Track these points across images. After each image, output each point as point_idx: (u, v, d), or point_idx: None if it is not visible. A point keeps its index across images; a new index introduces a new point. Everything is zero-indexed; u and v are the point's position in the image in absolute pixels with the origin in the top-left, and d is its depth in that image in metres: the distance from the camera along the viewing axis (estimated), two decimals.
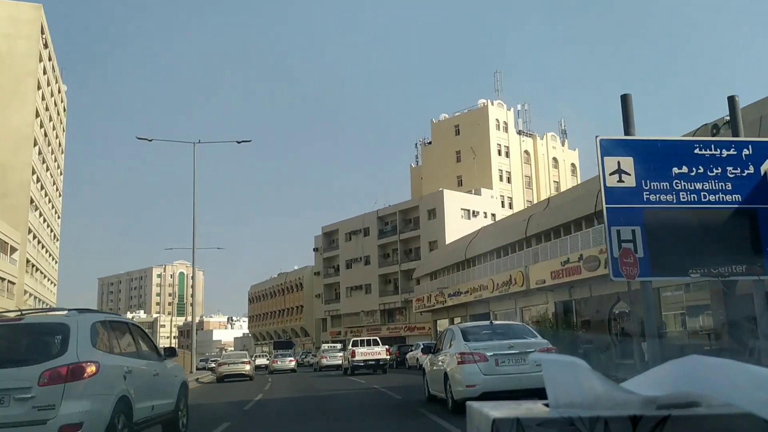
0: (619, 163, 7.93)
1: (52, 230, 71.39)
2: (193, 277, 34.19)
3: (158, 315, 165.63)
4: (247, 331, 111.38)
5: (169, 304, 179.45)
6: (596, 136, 8.02)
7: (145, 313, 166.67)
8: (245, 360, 29.32)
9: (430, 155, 75.25)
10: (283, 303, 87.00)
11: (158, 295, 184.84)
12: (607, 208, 7.88)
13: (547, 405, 1.31)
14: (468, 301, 37.19)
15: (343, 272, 69.50)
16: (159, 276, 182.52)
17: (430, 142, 76.60)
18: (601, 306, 26.11)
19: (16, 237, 52.77)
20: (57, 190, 75.44)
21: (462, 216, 58.19)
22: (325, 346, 57.91)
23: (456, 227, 54.16)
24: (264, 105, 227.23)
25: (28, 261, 57.68)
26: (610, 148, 7.98)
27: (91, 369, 5.98)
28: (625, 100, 8.41)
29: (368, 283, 65.17)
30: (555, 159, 77.27)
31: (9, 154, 55.25)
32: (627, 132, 8.31)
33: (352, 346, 29.63)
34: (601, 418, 1.17)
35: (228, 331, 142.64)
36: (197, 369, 40.19)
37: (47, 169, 66.23)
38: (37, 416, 5.61)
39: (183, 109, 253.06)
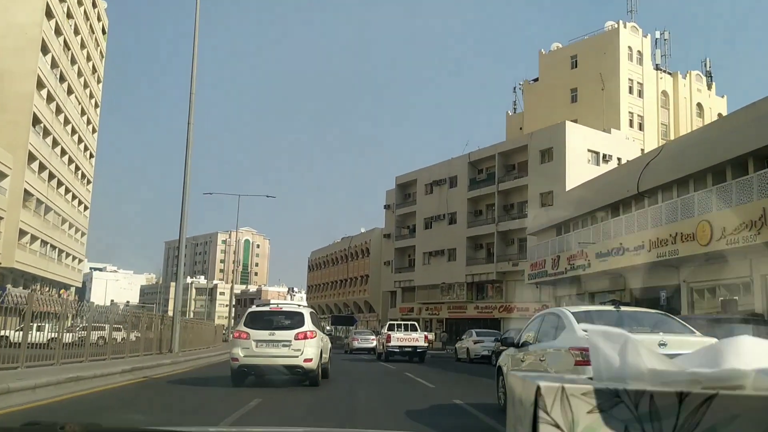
0: None
1: (78, 168, 60.27)
2: (182, 210, 20.61)
3: (219, 281, 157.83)
4: (305, 303, 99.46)
5: (233, 271, 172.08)
6: None
7: (205, 279, 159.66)
8: None
9: (535, 95, 59.34)
10: (346, 272, 73.56)
11: (222, 261, 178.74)
12: None
13: (590, 379, 1.28)
14: (639, 264, 21.99)
15: (420, 233, 54.81)
16: (224, 242, 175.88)
17: (535, 79, 60.76)
18: None
19: (6, 160, 41.24)
20: (90, 123, 64.42)
21: (589, 160, 42.45)
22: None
23: (579, 174, 38.50)
24: (334, 40, 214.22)
25: (30, 195, 46.30)
26: None
27: (314, 334, 13.01)
28: None
29: (452, 247, 50.22)
30: (699, 105, 59.78)
31: (9, 57, 43.67)
32: None
33: (388, 330, 28.87)
34: (646, 393, 1.16)
35: (286, 302, 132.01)
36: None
37: (69, 92, 54.74)
38: (293, 354, 12.66)
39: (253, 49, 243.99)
